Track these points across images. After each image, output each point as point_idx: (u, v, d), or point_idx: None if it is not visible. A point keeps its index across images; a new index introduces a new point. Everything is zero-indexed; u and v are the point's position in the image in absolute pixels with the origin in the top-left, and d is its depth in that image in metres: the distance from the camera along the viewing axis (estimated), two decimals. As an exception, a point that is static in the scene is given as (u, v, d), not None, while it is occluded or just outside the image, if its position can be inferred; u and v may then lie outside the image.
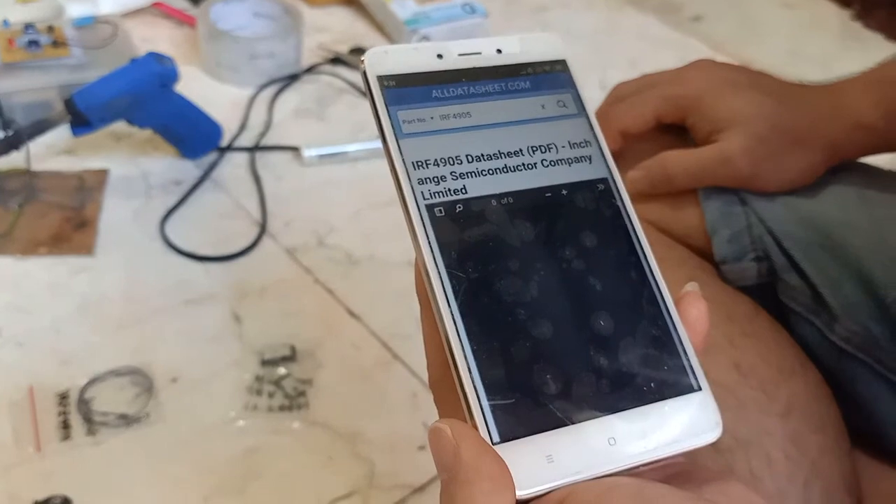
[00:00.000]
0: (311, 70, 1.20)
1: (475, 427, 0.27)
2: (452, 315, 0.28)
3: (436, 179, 0.30)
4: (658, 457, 0.28)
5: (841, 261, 0.51)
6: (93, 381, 0.79)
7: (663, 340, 0.30)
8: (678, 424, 0.29)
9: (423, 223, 0.29)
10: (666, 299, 0.30)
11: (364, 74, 0.31)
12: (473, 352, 0.28)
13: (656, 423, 0.28)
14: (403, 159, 0.30)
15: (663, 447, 0.28)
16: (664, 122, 0.57)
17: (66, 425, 0.75)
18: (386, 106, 0.30)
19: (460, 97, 0.31)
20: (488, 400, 0.27)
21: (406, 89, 0.31)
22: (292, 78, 1.18)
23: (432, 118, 0.31)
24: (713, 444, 0.29)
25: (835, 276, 0.51)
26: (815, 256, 0.52)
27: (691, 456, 0.29)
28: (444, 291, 0.28)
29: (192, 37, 1.21)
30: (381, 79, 0.31)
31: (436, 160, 0.30)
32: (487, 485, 0.25)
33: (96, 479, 0.72)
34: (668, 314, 0.30)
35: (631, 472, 0.28)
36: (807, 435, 0.47)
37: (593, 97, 0.44)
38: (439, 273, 0.28)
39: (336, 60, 1.23)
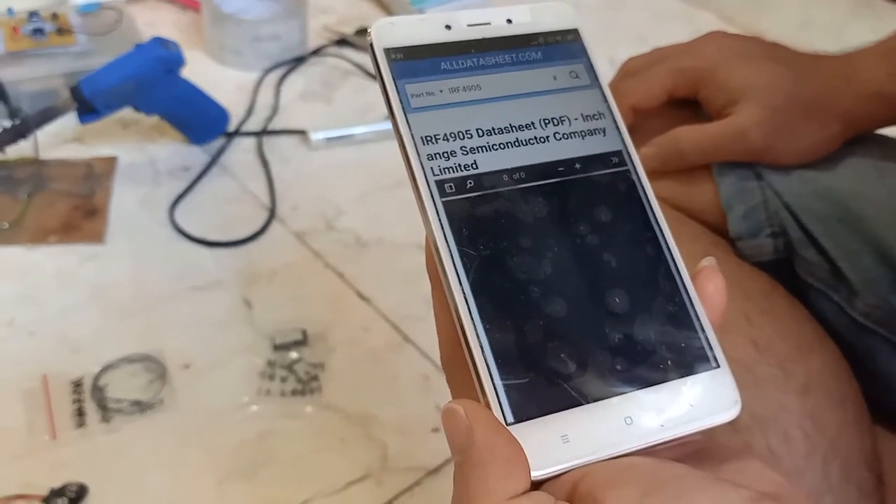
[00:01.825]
0: (316, 52, 1.19)
1: (489, 407, 0.26)
2: (464, 293, 0.27)
3: (445, 155, 0.29)
4: (675, 435, 0.27)
5: (859, 234, 0.50)
6: (106, 369, 0.79)
7: (680, 317, 0.29)
8: (696, 402, 0.28)
9: (434, 200, 0.28)
10: (683, 275, 0.30)
11: (371, 47, 0.30)
12: (486, 330, 0.27)
13: (673, 401, 0.28)
14: (412, 134, 0.29)
15: (681, 426, 0.27)
16: (676, 97, 0.55)
17: (80, 413, 0.75)
18: (393, 79, 0.29)
19: (470, 69, 0.31)
20: (502, 379, 0.26)
21: (414, 62, 0.30)
22: (298, 61, 1.17)
23: (441, 91, 0.30)
24: (731, 422, 0.28)
25: (853, 249, 0.50)
26: (832, 230, 0.51)
27: (709, 434, 0.28)
28: (456, 269, 0.27)
29: (197, 21, 1.21)
30: (388, 51, 0.30)
31: (445, 135, 0.29)
32: (501, 466, 0.25)
33: (111, 466, 0.73)
34: (684, 290, 0.29)
35: (647, 451, 0.27)
36: (825, 411, 0.46)
37: (602, 73, 0.43)
38: (450, 250, 0.28)
39: (342, 42, 1.22)
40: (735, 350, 0.48)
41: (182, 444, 0.75)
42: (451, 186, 0.29)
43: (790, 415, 0.46)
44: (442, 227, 0.28)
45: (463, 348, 0.27)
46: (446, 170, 0.29)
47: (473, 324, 0.27)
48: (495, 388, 0.26)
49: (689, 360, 0.28)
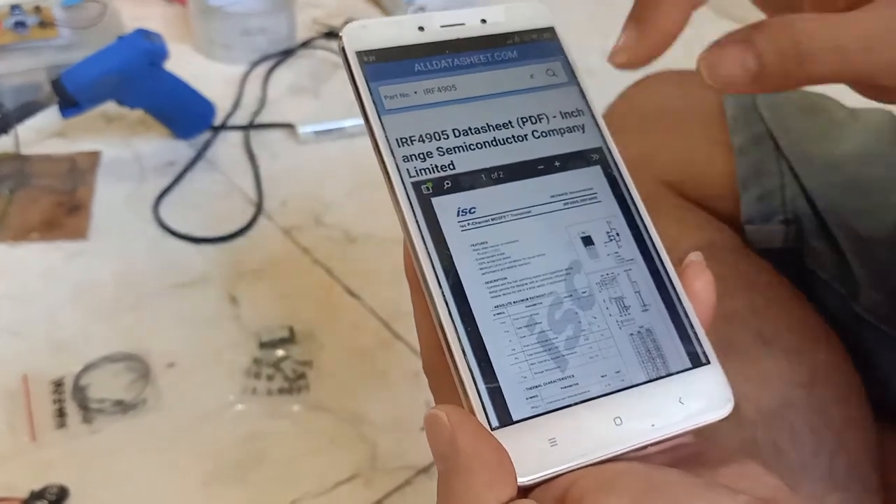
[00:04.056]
0: (305, 45, 1.18)
1: (472, 412, 0.25)
2: (444, 296, 0.27)
3: (421, 156, 0.28)
4: (667, 435, 0.27)
5: (879, 225, 0.49)
6: (88, 368, 0.77)
7: (668, 314, 0.28)
8: (687, 400, 0.27)
9: (410, 202, 0.28)
10: (669, 271, 0.29)
11: (342, 51, 0.30)
12: (467, 333, 0.26)
13: (663, 400, 0.27)
14: (387, 136, 0.28)
15: (672, 425, 0.27)
16: None
17: (61, 413, 0.74)
18: (366, 82, 0.29)
19: (444, 70, 0.30)
20: (485, 383, 0.26)
21: (387, 64, 0.30)
22: (286, 54, 1.16)
23: (416, 93, 0.30)
24: (734, 417, 0.28)
25: (867, 241, 0.49)
26: (850, 221, 0.50)
27: (706, 434, 0.27)
28: (435, 272, 0.27)
29: (184, 14, 1.19)
30: (360, 54, 0.29)
31: (421, 136, 0.29)
32: (487, 473, 0.24)
33: (93, 468, 0.71)
34: (671, 286, 0.29)
35: (640, 455, 0.26)
36: (832, 407, 0.46)
37: (593, 66, 0.41)
38: (428, 253, 0.27)
39: (330, 35, 1.20)
40: (740, 342, 0.46)
41: (166, 445, 0.73)
42: (427, 188, 0.28)
43: (796, 409, 0.45)
44: (420, 229, 0.27)
45: (445, 352, 0.26)
46: (423, 171, 0.28)
47: (454, 327, 0.26)
48: (478, 393, 0.26)
49: (678, 358, 0.28)
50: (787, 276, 0.51)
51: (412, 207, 0.28)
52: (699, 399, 0.27)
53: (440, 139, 0.29)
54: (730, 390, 0.28)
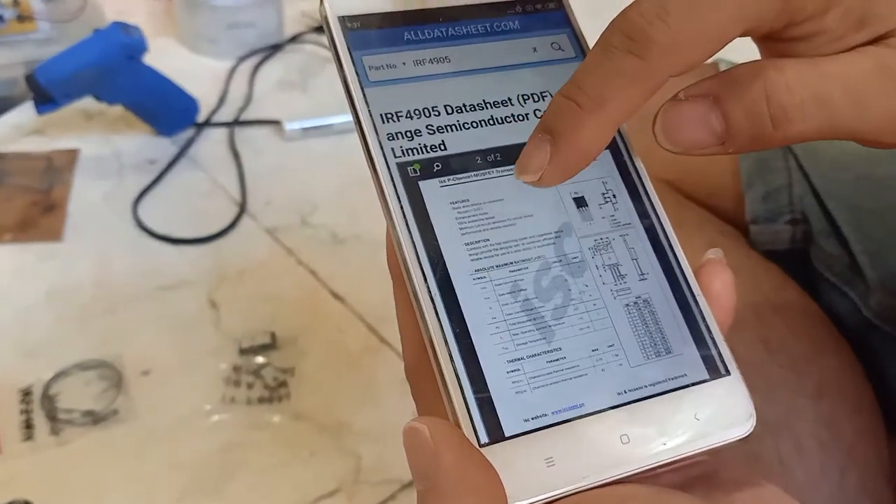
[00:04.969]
0: (294, 40, 1.14)
1: (459, 426, 0.23)
2: (430, 292, 0.24)
3: (409, 134, 0.26)
4: (679, 455, 0.23)
5: (893, 227, 0.45)
6: (58, 376, 0.73)
7: (683, 317, 0.26)
8: (703, 417, 0.24)
9: (395, 185, 0.25)
10: (685, 270, 0.26)
11: (324, 17, 0.26)
12: (455, 335, 0.23)
13: (677, 415, 0.24)
14: (370, 111, 0.26)
15: (686, 444, 0.24)
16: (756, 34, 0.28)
17: (28, 425, 0.70)
18: (349, 50, 0.26)
19: (437, 40, 0.27)
20: (474, 393, 0.23)
21: (373, 31, 0.27)
22: (274, 48, 1.12)
23: (404, 64, 0.27)
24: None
25: (880, 243, 0.46)
26: (862, 221, 0.47)
27: (717, 453, 0.24)
28: (421, 265, 0.24)
29: (169, 8, 1.15)
30: (343, 20, 0.26)
31: (409, 112, 0.26)
32: (473, 497, 0.21)
33: (60, 482, 0.67)
34: (687, 287, 0.26)
35: (647, 476, 0.23)
36: (842, 418, 0.43)
37: (589, 45, 0.38)
38: (414, 244, 0.24)
39: (321, 29, 1.16)
40: (743, 350, 0.43)
41: (138, 457, 0.69)
42: (414, 170, 0.25)
43: (804, 421, 0.42)
44: (405, 216, 0.25)
45: (429, 355, 0.24)
46: (410, 151, 0.25)
47: (441, 327, 0.23)
48: (466, 403, 0.23)
49: (694, 368, 0.25)
50: (793, 279, 0.49)
51: (396, 192, 0.25)
52: (717, 414, 0.24)
53: (430, 116, 0.26)
54: (751, 404, 0.25)
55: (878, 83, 0.24)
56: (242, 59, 1.10)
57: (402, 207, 0.25)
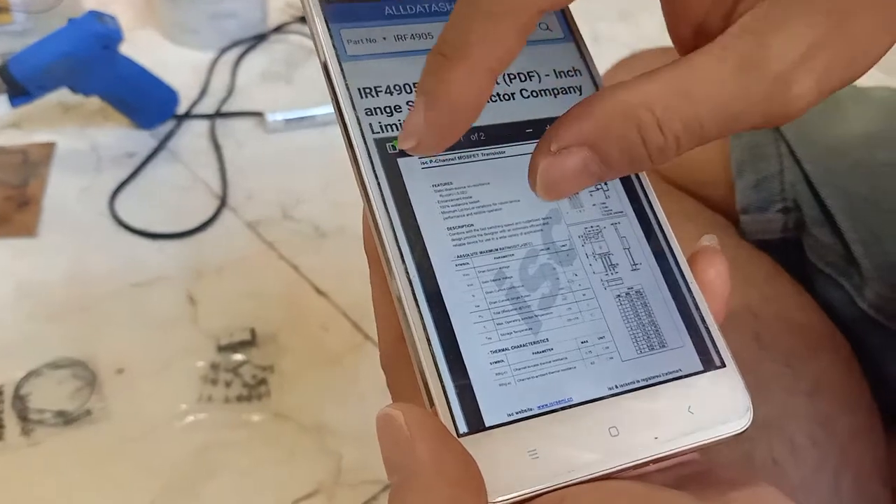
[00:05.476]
0: (278, 30, 1.12)
1: (436, 414, 0.21)
2: (408, 275, 0.23)
3: (388, 110, 0.25)
4: (672, 450, 0.22)
5: (889, 213, 0.44)
6: (30, 375, 0.71)
7: (676, 307, 0.25)
8: (697, 410, 0.23)
9: (372, 161, 0.24)
10: (678, 257, 0.25)
11: None
12: (435, 322, 0.22)
13: (669, 408, 0.23)
14: (347, 85, 0.25)
15: (679, 438, 0.23)
16: None
17: (-2, 425, 0.68)
18: (326, 22, 0.25)
19: (420, 15, 0.26)
20: (453, 380, 0.22)
21: (352, 4, 0.26)
22: (258, 39, 1.10)
23: (385, 38, 0.26)
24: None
25: (876, 231, 0.44)
26: (857, 208, 0.45)
27: (709, 452, 0.23)
28: (399, 247, 0.23)
29: (150, -2, 1.13)
30: None
31: (388, 87, 0.25)
32: (449, 489, 0.19)
33: (31, 485, 0.65)
34: (680, 275, 0.25)
35: (636, 471, 0.22)
36: (837, 416, 0.42)
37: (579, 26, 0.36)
38: (392, 225, 0.23)
39: (305, 19, 1.14)
40: (734, 345, 0.42)
41: (112, 458, 0.67)
42: (393, 146, 0.24)
43: (798, 420, 0.41)
44: (382, 196, 0.23)
45: (406, 342, 0.22)
46: (389, 127, 0.24)
47: (420, 314, 0.22)
48: (444, 391, 0.22)
49: (686, 359, 0.24)
50: (786, 269, 0.47)
51: (374, 168, 0.24)
52: (712, 408, 0.23)
53: (411, 92, 0.25)
54: (748, 398, 0.24)
55: (740, 82, 0.22)
56: (225, 50, 1.08)
57: (379, 185, 0.24)
